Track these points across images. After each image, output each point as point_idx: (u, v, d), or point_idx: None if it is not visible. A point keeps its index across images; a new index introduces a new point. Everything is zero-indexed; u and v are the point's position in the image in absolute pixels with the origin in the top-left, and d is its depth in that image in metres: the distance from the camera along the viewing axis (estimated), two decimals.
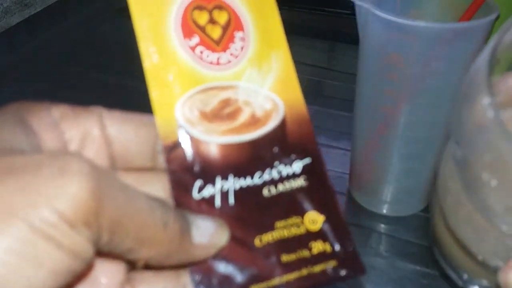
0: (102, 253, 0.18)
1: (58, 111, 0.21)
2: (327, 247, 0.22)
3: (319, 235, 0.23)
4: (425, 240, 0.43)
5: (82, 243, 0.16)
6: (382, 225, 0.44)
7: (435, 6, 0.39)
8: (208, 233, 0.21)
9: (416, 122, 0.38)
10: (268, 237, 0.22)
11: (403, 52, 0.34)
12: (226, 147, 0.23)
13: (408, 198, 0.44)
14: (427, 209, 0.45)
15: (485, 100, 0.19)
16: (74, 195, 0.16)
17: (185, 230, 0.20)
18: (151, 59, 0.22)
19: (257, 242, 0.22)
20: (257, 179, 0.23)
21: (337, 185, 0.48)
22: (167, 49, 0.22)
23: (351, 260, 0.22)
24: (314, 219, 0.23)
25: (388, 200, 0.44)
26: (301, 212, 0.23)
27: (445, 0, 0.39)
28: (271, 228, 0.22)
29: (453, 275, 0.26)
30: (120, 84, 0.59)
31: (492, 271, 0.22)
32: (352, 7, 0.36)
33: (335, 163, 0.50)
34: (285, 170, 0.23)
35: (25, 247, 0.15)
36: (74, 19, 0.74)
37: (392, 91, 0.37)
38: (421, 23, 0.33)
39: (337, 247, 0.23)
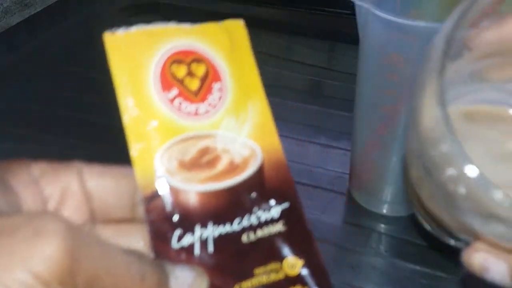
0: None
1: (37, 168, 0.22)
2: None
3: (298, 280, 0.23)
4: (425, 240, 0.43)
5: None
6: (382, 225, 0.44)
7: (435, 6, 0.39)
8: (187, 283, 0.21)
9: None
10: (248, 284, 0.22)
11: (403, 52, 0.34)
12: (206, 195, 0.23)
13: (408, 198, 0.44)
14: None
15: (435, 112, 0.20)
16: (49, 255, 0.16)
17: (163, 282, 0.20)
18: (130, 112, 0.22)
19: None
20: (236, 226, 0.23)
21: (337, 185, 0.48)
22: (146, 102, 0.23)
23: None
24: (293, 264, 0.23)
25: (388, 200, 0.44)
26: (280, 258, 0.23)
27: (445, 0, 0.39)
28: (250, 275, 0.23)
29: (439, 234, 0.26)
30: None
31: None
32: (352, 7, 0.36)
33: (335, 163, 0.50)
34: (264, 215, 0.23)
35: None
36: (74, 19, 0.74)
37: (392, 91, 0.37)
38: (421, 23, 0.33)
39: None
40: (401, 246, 0.43)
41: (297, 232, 0.24)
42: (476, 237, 0.22)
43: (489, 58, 0.24)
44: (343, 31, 0.67)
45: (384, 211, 0.45)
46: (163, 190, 0.22)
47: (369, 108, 0.40)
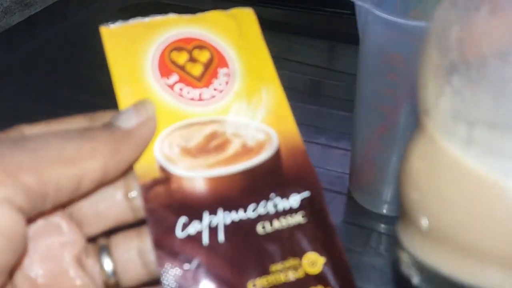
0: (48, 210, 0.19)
1: None
2: None
3: (319, 279, 0.21)
4: None
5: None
6: (382, 225, 0.44)
7: (435, 6, 0.39)
8: (131, 114, 0.21)
9: (416, 122, 0.38)
10: (263, 282, 0.20)
11: (403, 52, 0.34)
12: (215, 180, 0.21)
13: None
14: None
15: None
16: None
17: (112, 130, 0.20)
18: (127, 100, 0.22)
19: (250, 287, 0.20)
20: (250, 213, 0.21)
21: (337, 185, 0.48)
22: (143, 90, 0.22)
23: None
24: (313, 261, 0.21)
25: (388, 200, 0.44)
26: (300, 253, 0.21)
27: None
28: (266, 271, 0.20)
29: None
30: None
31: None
32: (352, 7, 0.36)
33: (335, 163, 0.50)
34: (282, 203, 0.22)
35: None
36: (74, 19, 0.74)
37: (392, 91, 0.37)
38: (421, 23, 0.33)
39: None
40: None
41: (319, 226, 0.22)
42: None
43: None
44: (343, 31, 0.67)
45: (384, 211, 0.45)
46: (164, 178, 0.21)
47: (369, 108, 0.40)
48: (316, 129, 0.54)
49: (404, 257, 0.23)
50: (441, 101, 0.21)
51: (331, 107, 0.58)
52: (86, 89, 0.60)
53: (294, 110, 0.63)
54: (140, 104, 0.21)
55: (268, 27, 0.74)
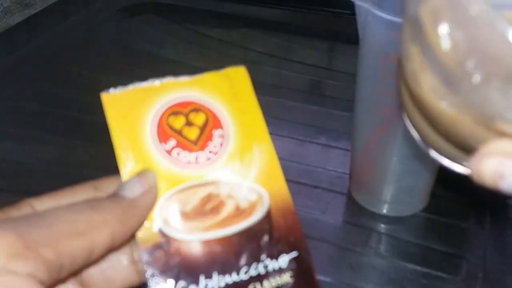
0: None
1: None
2: None
3: None
4: (425, 240, 0.43)
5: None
6: (382, 225, 0.44)
7: None
8: (135, 183, 0.22)
9: None
10: None
11: None
12: (210, 243, 0.23)
13: (408, 198, 0.44)
14: (427, 209, 0.45)
15: None
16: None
17: (118, 200, 0.22)
18: (128, 167, 0.23)
19: None
20: (243, 275, 0.22)
21: (337, 185, 0.48)
22: (143, 156, 0.23)
23: None
24: None
25: (388, 200, 0.44)
26: None
27: None
28: None
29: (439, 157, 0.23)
30: (119, 84, 0.59)
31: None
32: (352, 7, 0.36)
33: (335, 163, 0.50)
34: (271, 264, 0.23)
35: None
36: (74, 19, 0.74)
37: (392, 91, 0.37)
38: None
39: None
40: (401, 246, 0.43)
41: (305, 285, 0.23)
42: (485, 140, 0.18)
43: None
44: (343, 31, 0.67)
45: (384, 211, 0.45)
46: (164, 243, 0.22)
47: (369, 108, 0.40)
48: (316, 129, 0.54)
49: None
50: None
51: (331, 107, 0.58)
52: (86, 89, 0.59)
53: (294, 110, 0.63)
54: (142, 174, 0.23)
55: (268, 27, 0.74)
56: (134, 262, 0.24)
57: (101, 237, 0.21)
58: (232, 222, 0.23)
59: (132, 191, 0.22)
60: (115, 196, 0.22)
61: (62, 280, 0.22)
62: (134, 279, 0.24)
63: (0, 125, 0.54)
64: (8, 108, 0.57)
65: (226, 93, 0.25)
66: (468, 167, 0.20)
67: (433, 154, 0.23)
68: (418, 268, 0.41)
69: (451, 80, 0.17)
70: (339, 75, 0.63)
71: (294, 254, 0.23)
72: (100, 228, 0.21)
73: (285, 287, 0.23)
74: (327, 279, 0.40)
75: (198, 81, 0.25)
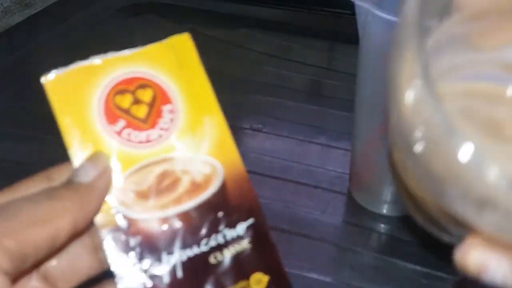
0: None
1: None
2: None
3: None
4: (425, 240, 0.43)
5: None
6: (382, 225, 0.44)
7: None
8: (89, 168, 0.22)
9: None
10: None
11: None
12: (170, 220, 0.23)
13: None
14: None
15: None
16: None
17: (74, 187, 0.22)
18: (79, 153, 0.23)
19: None
20: (203, 247, 0.23)
21: (337, 185, 0.48)
22: (93, 140, 0.23)
23: None
24: (259, 280, 0.24)
25: (388, 200, 0.44)
26: (247, 275, 0.23)
27: None
28: None
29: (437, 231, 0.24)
30: None
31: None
32: (352, 7, 0.36)
33: (335, 163, 0.50)
34: (230, 233, 0.24)
35: None
36: (74, 19, 0.74)
37: None
38: None
39: None
40: (401, 246, 0.43)
41: (263, 249, 0.24)
42: (471, 230, 0.19)
43: (480, 19, 0.21)
44: (343, 31, 0.67)
45: (384, 211, 0.45)
46: (123, 224, 0.22)
47: (369, 108, 0.40)
48: (316, 129, 0.54)
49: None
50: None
51: (331, 107, 0.58)
52: None
53: (294, 110, 0.63)
54: (94, 157, 0.23)
55: (268, 27, 0.74)
56: (96, 249, 0.24)
57: (62, 224, 0.21)
58: (189, 197, 0.23)
59: (87, 176, 0.22)
60: (70, 183, 0.22)
61: (28, 271, 0.22)
62: (98, 266, 0.24)
63: (0, 125, 0.54)
64: (8, 108, 0.57)
65: (171, 64, 0.24)
66: (452, 241, 0.21)
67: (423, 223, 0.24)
68: (418, 268, 0.41)
69: (436, 185, 0.18)
70: (339, 75, 0.63)
71: (250, 221, 0.24)
72: (60, 216, 0.21)
73: (244, 253, 0.24)
74: (327, 279, 0.40)
75: (142, 54, 0.24)
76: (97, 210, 0.22)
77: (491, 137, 0.20)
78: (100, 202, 0.22)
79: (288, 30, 0.71)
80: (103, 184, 0.22)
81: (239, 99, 0.56)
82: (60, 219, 0.21)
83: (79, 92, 0.23)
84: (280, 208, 0.45)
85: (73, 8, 0.76)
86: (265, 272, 0.24)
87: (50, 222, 0.21)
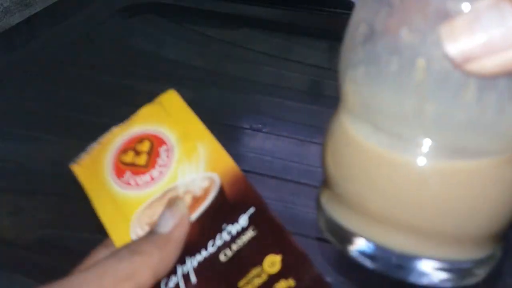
0: None
1: None
2: (291, 283, 0.23)
3: (280, 275, 0.24)
4: None
5: None
6: None
7: None
8: (168, 218, 0.24)
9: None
10: None
11: None
12: None
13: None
14: None
15: None
16: None
17: (153, 239, 0.24)
18: (104, 211, 0.26)
19: None
20: (211, 248, 0.24)
21: None
22: (111, 195, 0.26)
23: (318, 284, 0.24)
24: (272, 262, 0.24)
25: None
26: (259, 261, 0.24)
27: None
28: None
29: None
30: (119, 84, 0.59)
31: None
32: (352, 7, 0.36)
33: None
34: (233, 228, 0.25)
35: None
36: (74, 19, 0.74)
37: None
38: None
39: (300, 278, 0.23)
40: None
41: (269, 231, 0.25)
42: None
43: None
44: (343, 31, 0.67)
45: None
46: None
47: None
48: (316, 129, 0.54)
49: (321, 222, 0.27)
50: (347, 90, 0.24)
51: (331, 107, 0.58)
52: (86, 89, 0.60)
53: (294, 110, 0.62)
54: (172, 204, 0.25)
55: (268, 27, 0.74)
56: None
57: (145, 278, 0.23)
58: (191, 211, 0.25)
59: (166, 226, 0.24)
60: (151, 234, 0.24)
61: None
62: None
63: (0, 125, 0.54)
64: (8, 108, 0.57)
65: (161, 115, 0.28)
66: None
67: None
68: None
69: None
70: None
71: (251, 210, 0.25)
72: (142, 270, 0.23)
73: (251, 241, 0.24)
74: (327, 279, 0.40)
75: (137, 118, 0.28)
76: (176, 258, 0.24)
77: None
78: (179, 249, 0.24)
79: (288, 30, 0.71)
80: (180, 233, 0.24)
81: (239, 99, 0.57)
82: (142, 273, 0.23)
83: (97, 167, 0.27)
84: (280, 208, 0.45)
85: (73, 8, 0.76)
86: (276, 252, 0.24)
87: (132, 277, 0.22)
